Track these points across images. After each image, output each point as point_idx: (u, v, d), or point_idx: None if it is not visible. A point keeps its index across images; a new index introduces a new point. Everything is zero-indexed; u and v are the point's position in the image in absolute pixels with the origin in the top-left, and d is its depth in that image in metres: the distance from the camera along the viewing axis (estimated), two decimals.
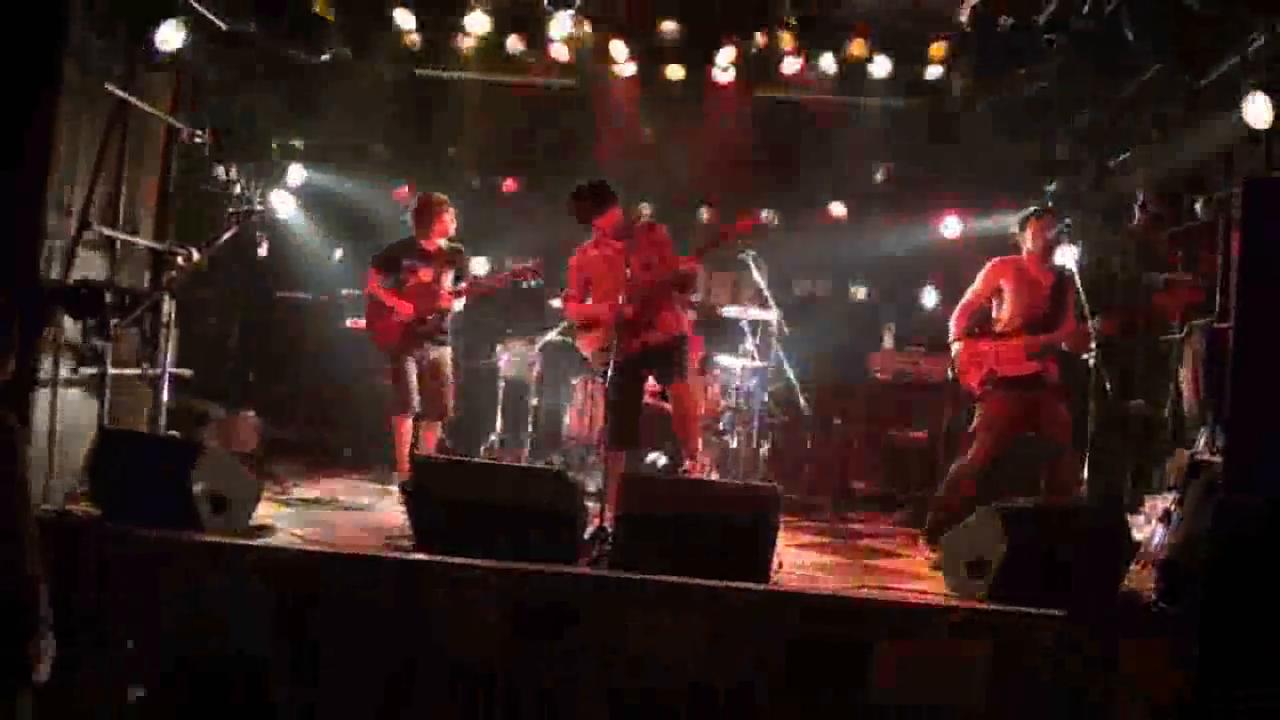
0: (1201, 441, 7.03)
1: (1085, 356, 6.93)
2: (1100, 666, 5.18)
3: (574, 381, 9.34)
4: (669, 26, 9.05)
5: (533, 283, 8.54)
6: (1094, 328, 6.84)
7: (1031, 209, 7.56)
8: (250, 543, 5.65)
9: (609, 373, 6.64)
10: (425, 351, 8.22)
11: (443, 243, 8.41)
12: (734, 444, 9.17)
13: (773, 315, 9.02)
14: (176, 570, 5.35)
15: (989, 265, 7.26)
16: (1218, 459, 6.25)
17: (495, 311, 10.68)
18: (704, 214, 11.02)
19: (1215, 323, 7.03)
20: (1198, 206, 7.91)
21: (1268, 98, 6.85)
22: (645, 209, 10.32)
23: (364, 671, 5.23)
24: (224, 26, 8.29)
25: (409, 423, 8.18)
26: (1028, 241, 7.24)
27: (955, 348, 7.22)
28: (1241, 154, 7.55)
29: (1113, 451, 9.10)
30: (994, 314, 7.22)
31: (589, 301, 7.36)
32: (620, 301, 6.83)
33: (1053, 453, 7.02)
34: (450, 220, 8.46)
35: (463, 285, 8.40)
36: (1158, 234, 8.62)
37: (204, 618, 5.25)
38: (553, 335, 9.35)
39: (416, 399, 8.17)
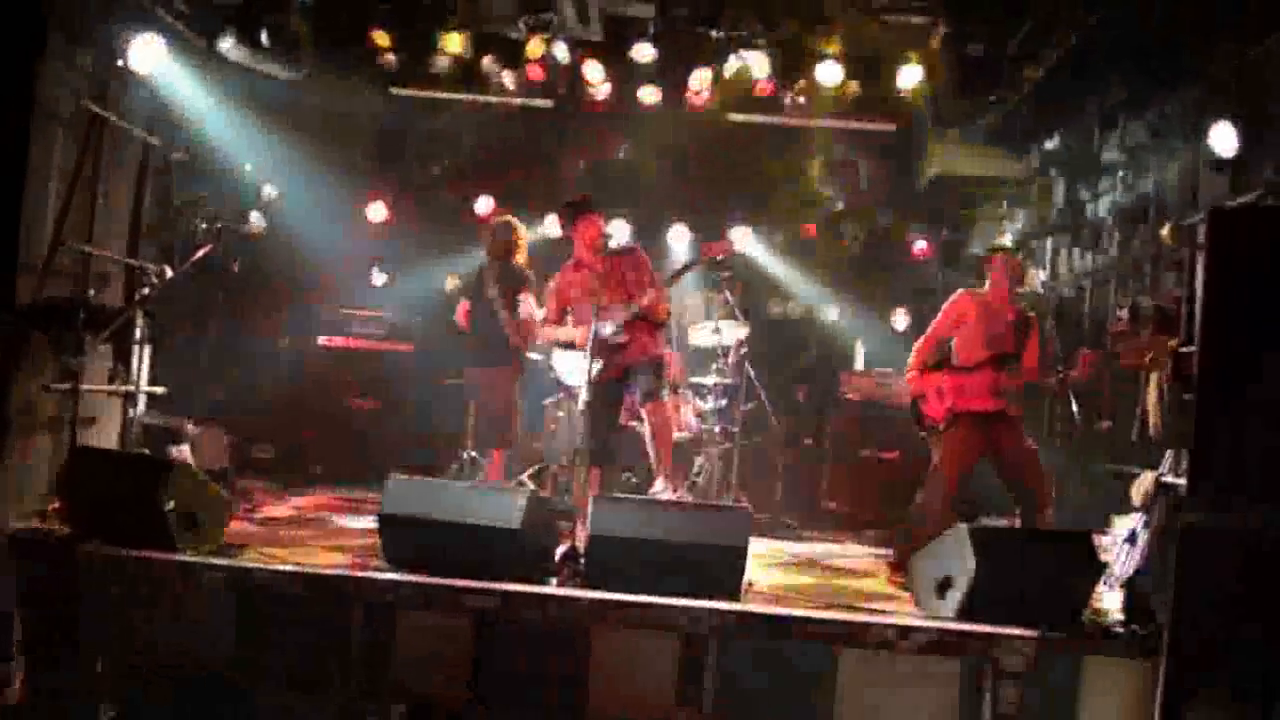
0: (1167, 464, 7.10)
1: (1051, 381, 7.02)
2: (1067, 686, 5.22)
3: (546, 401, 9.35)
4: (643, 48, 9.09)
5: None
6: (1061, 375, 6.96)
7: (997, 243, 7.64)
8: (221, 561, 5.64)
9: (585, 394, 6.67)
10: None
11: None
12: (705, 463, 9.20)
13: (744, 335, 9.06)
14: (147, 589, 5.34)
15: (953, 297, 7.33)
16: (1183, 481, 6.31)
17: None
18: (677, 233, 11.08)
19: (1180, 347, 7.10)
20: (1164, 231, 8.00)
21: (1233, 126, 6.95)
22: (618, 227, 10.36)
23: (331, 690, 5.23)
24: (200, 44, 8.31)
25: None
26: (991, 275, 7.33)
27: (910, 376, 7.30)
28: (1207, 181, 7.65)
29: (1079, 473, 9.18)
30: (954, 345, 7.29)
31: (568, 323, 7.42)
32: (594, 325, 6.88)
33: (1020, 481, 7.08)
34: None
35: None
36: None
37: (174, 637, 5.24)
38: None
39: None
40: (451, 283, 9.95)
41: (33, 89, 6.77)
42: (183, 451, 8.20)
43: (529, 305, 8.07)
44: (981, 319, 7.19)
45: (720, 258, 7.60)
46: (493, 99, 10.23)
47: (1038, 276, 7.90)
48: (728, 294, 9.04)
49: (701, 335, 9.41)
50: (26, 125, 6.78)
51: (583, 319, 7.27)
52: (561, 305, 7.51)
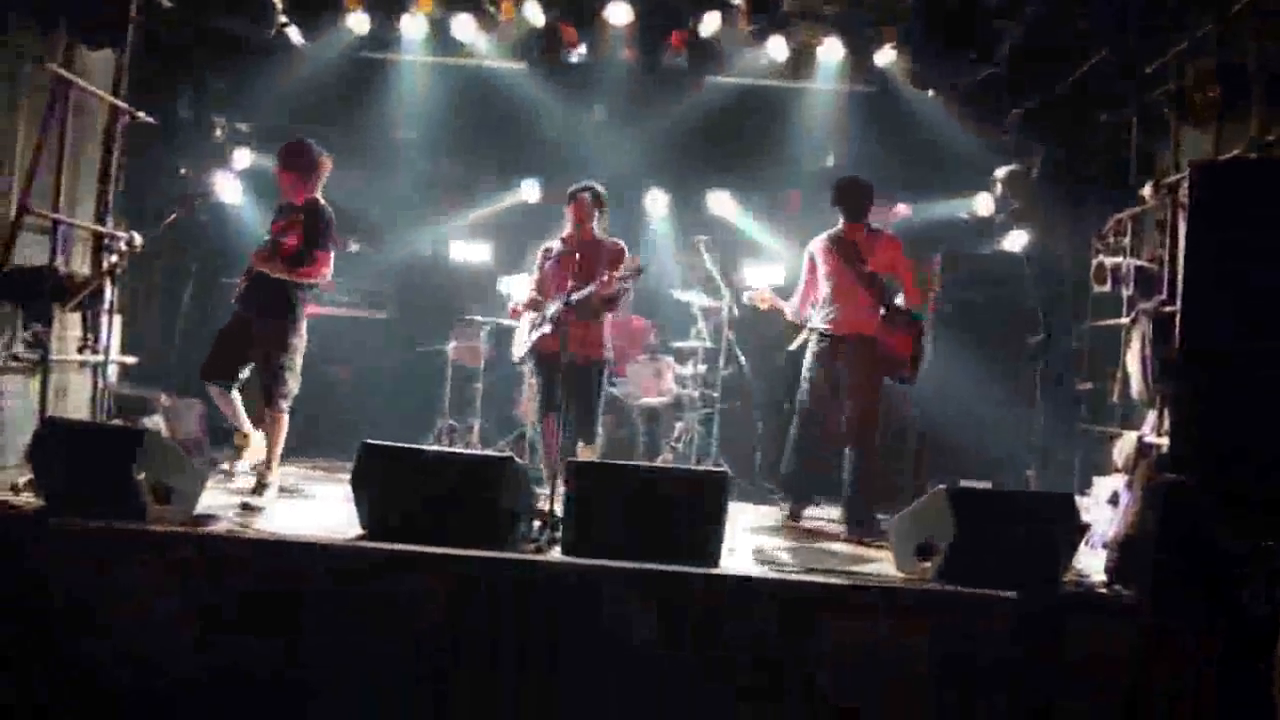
0: (1148, 424, 7.09)
1: (1033, 340, 7.00)
2: (1049, 647, 5.20)
3: (524, 367, 9.27)
4: (619, 9, 8.98)
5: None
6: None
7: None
8: (193, 531, 5.57)
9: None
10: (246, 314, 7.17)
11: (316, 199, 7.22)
12: (684, 428, 9.17)
13: (724, 300, 9.01)
14: (118, 560, 5.26)
15: None
16: (1165, 441, 6.29)
17: (444, 296, 10.63)
18: (654, 197, 11.02)
19: (1162, 306, 7.08)
20: (1145, 191, 7.96)
21: (1216, 81, 6.91)
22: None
23: (306, 659, 5.17)
24: (168, 3, 8.17)
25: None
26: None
27: None
28: (1189, 138, 7.60)
29: (1060, 433, 9.17)
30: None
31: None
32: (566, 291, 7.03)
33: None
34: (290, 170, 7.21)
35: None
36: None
37: (143, 607, 5.17)
38: (503, 320, 9.30)
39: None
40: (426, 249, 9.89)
41: None
42: (155, 422, 8.11)
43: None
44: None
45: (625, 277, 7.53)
46: (465, 61, 10.09)
47: (1019, 237, 7.85)
48: (707, 259, 8.98)
49: (681, 300, 9.38)
50: None
51: (545, 291, 7.56)
52: (540, 275, 7.59)
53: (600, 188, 7.55)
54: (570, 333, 7.06)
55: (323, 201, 7.10)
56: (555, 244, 7.70)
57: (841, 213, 7.73)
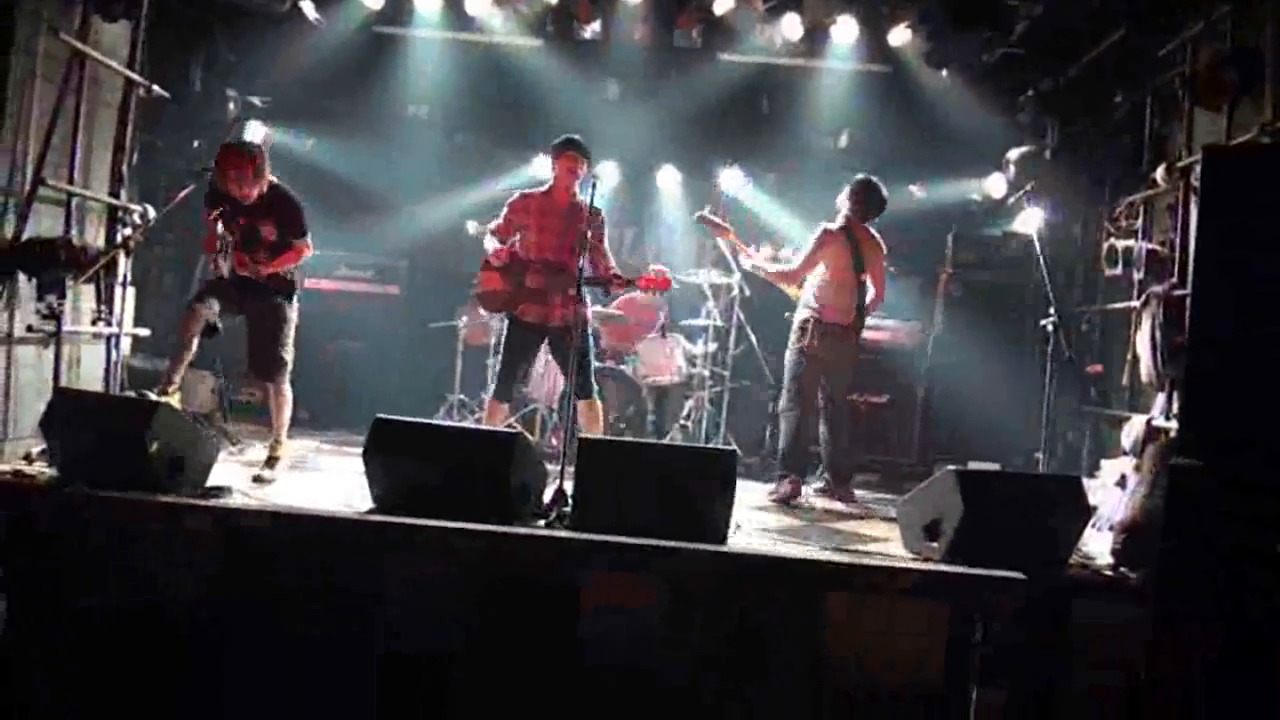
0: (1157, 407, 7.09)
1: (1044, 323, 6.98)
2: (1055, 629, 5.22)
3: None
4: None
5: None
6: None
7: None
8: (205, 503, 5.59)
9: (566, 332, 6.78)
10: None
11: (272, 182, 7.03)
12: (695, 406, 9.18)
13: (734, 279, 9.02)
14: (130, 532, 5.29)
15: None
16: (1174, 424, 6.29)
17: (456, 272, 10.62)
18: (666, 174, 11.01)
19: (1173, 289, 7.07)
20: (1158, 174, 7.95)
21: (1231, 64, 6.88)
22: (607, 170, 10.27)
23: (315, 635, 5.20)
24: None
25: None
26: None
27: None
28: (1202, 122, 7.58)
29: (1069, 416, 9.18)
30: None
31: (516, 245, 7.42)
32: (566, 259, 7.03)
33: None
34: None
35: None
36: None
37: (155, 579, 5.21)
38: None
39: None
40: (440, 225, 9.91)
41: (9, 26, 6.65)
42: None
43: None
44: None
45: (649, 289, 7.53)
46: (479, 38, 10.08)
47: (1035, 216, 7.85)
48: (718, 239, 8.98)
49: (692, 279, 9.37)
50: (3, 63, 6.68)
51: (527, 248, 7.35)
52: (515, 228, 7.42)
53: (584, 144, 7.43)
54: (560, 298, 7.14)
55: (276, 181, 7.05)
56: (535, 198, 7.45)
57: (854, 209, 7.92)
